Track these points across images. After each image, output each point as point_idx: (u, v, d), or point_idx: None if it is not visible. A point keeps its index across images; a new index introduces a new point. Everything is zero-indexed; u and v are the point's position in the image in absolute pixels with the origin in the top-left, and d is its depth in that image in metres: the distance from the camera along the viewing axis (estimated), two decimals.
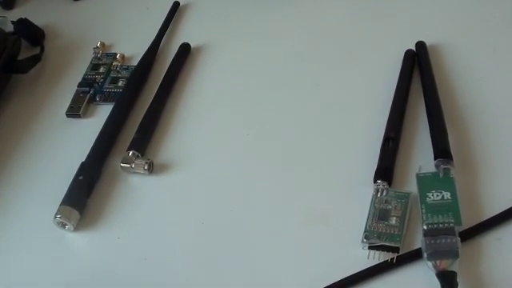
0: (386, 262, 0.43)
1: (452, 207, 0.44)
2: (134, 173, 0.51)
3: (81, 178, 0.50)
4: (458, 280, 0.40)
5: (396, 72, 0.54)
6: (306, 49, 0.59)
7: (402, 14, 0.60)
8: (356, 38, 0.59)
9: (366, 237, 0.44)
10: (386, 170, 0.47)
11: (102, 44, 0.63)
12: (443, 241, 0.42)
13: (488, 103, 0.51)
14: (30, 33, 0.64)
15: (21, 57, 0.61)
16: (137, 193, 0.51)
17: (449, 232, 0.42)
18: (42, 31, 0.65)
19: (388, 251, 0.43)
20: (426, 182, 0.46)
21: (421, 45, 0.55)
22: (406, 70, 0.54)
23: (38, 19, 0.65)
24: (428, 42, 0.55)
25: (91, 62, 0.61)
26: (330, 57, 0.58)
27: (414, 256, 0.43)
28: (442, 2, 0.60)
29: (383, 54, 0.56)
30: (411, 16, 0.59)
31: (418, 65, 0.54)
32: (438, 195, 0.44)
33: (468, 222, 0.43)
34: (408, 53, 0.55)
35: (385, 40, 0.58)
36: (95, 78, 0.59)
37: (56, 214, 0.48)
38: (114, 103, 0.57)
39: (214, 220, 0.48)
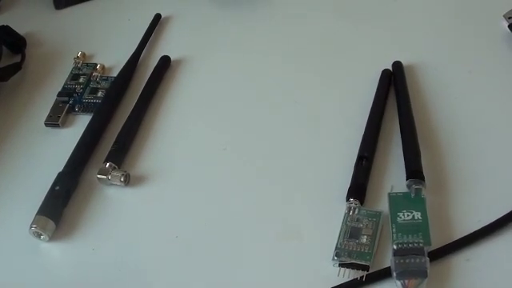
0: (355, 279, 0.43)
1: (422, 227, 0.44)
2: (111, 184, 0.52)
3: (57, 188, 0.51)
4: None
5: (372, 91, 0.54)
6: (285, 65, 0.59)
7: (379, 33, 0.60)
8: (334, 57, 0.59)
9: (336, 254, 0.44)
10: (358, 189, 0.48)
11: (83, 54, 0.63)
12: (412, 260, 0.42)
13: (461, 125, 0.52)
14: (12, 40, 0.65)
15: (1, 64, 0.61)
16: (112, 204, 0.51)
17: (418, 252, 0.43)
18: (24, 39, 0.65)
19: (358, 269, 0.44)
20: (397, 202, 0.46)
21: (397, 65, 0.56)
22: (381, 90, 0.54)
23: (19, 27, 0.65)
24: (405, 62, 0.56)
25: (71, 72, 0.61)
26: (308, 74, 0.58)
27: (384, 275, 0.43)
28: (420, 22, 0.61)
29: (360, 73, 0.57)
30: (389, 36, 0.60)
31: (393, 84, 0.55)
32: (408, 215, 0.45)
33: (437, 242, 0.44)
34: (384, 72, 0.56)
35: (362, 59, 0.58)
36: (75, 88, 0.60)
37: (32, 223, 0.48)
38: (92, 114, 0.57)
39: (188, 233, 0.48)
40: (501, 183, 0.48)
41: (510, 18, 0.57)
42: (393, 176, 0.49)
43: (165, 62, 0.61)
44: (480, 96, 0.54)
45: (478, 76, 0.55)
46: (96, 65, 0.62)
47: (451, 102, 0.53)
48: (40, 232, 0.48)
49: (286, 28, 0.63)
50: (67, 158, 0.53)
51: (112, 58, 0.62)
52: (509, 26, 0.57)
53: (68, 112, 0.58)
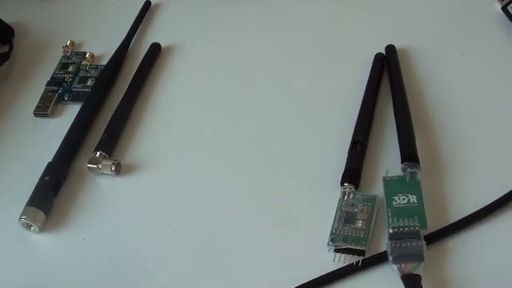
0: (351, 264, 0.43)
1: (418, 211, 0.44)
2: (101, 174, 0.51)
3: (47, 178, 0.50)
4: (422, 283, 0.40)
5: (365, 75, 0.54)
6: (276, 50, 0.59)
7: (372, 17, 0.60)
8: (326, 42, 0.59)
9: (332, 240, 0.44)
10: (352, 173, 0.47)
11: (72, 43, 0.62)
12: (408, 244, 0.42)
13: (455, 108, 0.51)
14: None
15: None
16: (104, 194, 0.50)
17: (414, 235, 0.42)
18: (12, 29, 0.64)
19: (354, 254, 0.43)
20: (392, 186, 0.46)
21: (390, 48, 0.55)
22: (375, 74, 0.54)
23: (7, 16, 0.64)
24: (398, 45, 0.56)
25: (60, 61, 0.61)
26: (300, 59, 0.58)
27: (380, 259, 0.43)
28: (413, 5, 0.60)
29: (353, 57, 0.56)
30: (381, 19, 0.60)
31: (387, 68, 0.55)
32: (404, 199, 0.45)
33: (433, 225, 0.44)
34: (378, 56, 0.55)
35: (355, 43, 0.58)
36: (64, 77, 0.59)
37: (21, 214, 0.48)
38: (82, 103, 0.56)
39: (181, 222, 0.47)
40: (496, 165, 0.47)
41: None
42: (387, 160, 0.48)
43: (155, 49, 0.60)
44: (473, 78, 0.53)
45: (472, 58, 0.55)
46: (85, 53, 0.61)
47: (445, 84, 0.53)
48: (30, 223, 0.48)
49: (278, 14, 0.62)
50: (57, 148, 0.52)
51: (101, 46, 0.62)
52: (502, 8, 0.57)
53: (57, 101, 0.57)
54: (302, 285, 0.42)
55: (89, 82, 0.58)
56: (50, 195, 0.49)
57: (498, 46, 0.55)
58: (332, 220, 0.45)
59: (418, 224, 0.43)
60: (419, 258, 0.41)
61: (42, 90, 0.58)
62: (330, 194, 0.47)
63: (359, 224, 0.44)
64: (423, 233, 0.43)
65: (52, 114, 0.57)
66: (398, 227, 0.43)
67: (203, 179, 0.50)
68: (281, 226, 0.46)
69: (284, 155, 0.51)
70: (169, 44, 0.61)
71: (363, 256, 0.43)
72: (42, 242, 0.48)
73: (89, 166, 0.51)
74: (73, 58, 0.61)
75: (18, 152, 0.54)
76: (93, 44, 0.62)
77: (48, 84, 0.58)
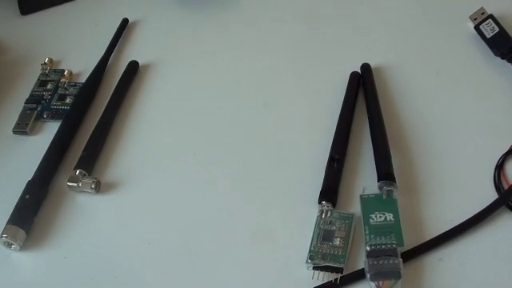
0: (330, 282, 0.43)
1: (394, 228, 0.45)
2: (81, 192, 0.51)
3: (27, 196, 0.50)
4: None
5: (341, 93, 0.54)
6: (253, 68, 0.59)
7: (347, 36, 0.61)
8: (303, 60, 0.59)
9: (310, 257, 0.44)
10: (330, 191, 0.48)
11: (50, 60, 0.62)
12: (386, 262, 0.43)
13: (431, 125, 0.52)
14: None
15: None
16: (84, 212, 0.50)
17: (391, 253, 0.43)
18: None
19: (332, 272, 0.44)
20: (369, 204, 0.47)
21: (366, 67, 0.56)
22: (351, 92, 0.54)
23: None
24: (373, 64, 0.57)
25: (39, 79, 0.61)
26: (277, 77, 0.58)
27: (358, 276, 0.44)
28: (388, 24, 0.61)
29: (329, 76, 0.57)
30: (357, 38, 0.60)
31: (362, 87, 0.55)
32: (380, 217, 0.46)
33: (410, 242, 0.45)
34: (353, 75, 0.56)
35: (331, 61, 0.59)
36: (43, 95, 0.59)
37: (2, 233, 0.48)
38: (61, 120, 0.57)
39: (161, 240, 0.48)
40: (471, 183, 0.48)
41: (475, 19, 0.58)
42: (364, 178, 0.49)
43: (133, 67, 0.60)
44: (448, 96, 0.54)
45: (446, 77, 0.56)
46: (64, 71, 0.61)
47: (420, 102, 0.54)
48: (11, 241, 0.48)
49: (255, 32, 0.63)
50: (37, 166, 0.52)
51: (80, 63, 0.62)
52: (475, 27, 0.58)
53: (36, 119, 0.58)
54: None
55: (67, 100, 0.58)
56: (31, 213, 0.50)
57: (470, 65, 0.56)
58: (310, 237, 0.45)
59: (394, 242, 0.44)
60: (396, 275, 0.42)
61: (21, 108, 0.58)
62: (308, 211, 0.47)
63: (337, 242, 0.45)
64: (400, 250, 0.44)
65: (31, 132, 0.57)
66: (376, 245, 0.44)
67: (182, 197, 0.50)
68: (260, 244, 0.47)
69: (262, 173, 0.51)
70: (147, 61, 0.61)
71: (341, 273, 0.44)
72: (23, 260, 0.48)
73: (69, 184, 0.51)
74: (51, 76, 0.61)
75: None
76: (71, 61, 0.62)
77: (27, 102, 0.58)
